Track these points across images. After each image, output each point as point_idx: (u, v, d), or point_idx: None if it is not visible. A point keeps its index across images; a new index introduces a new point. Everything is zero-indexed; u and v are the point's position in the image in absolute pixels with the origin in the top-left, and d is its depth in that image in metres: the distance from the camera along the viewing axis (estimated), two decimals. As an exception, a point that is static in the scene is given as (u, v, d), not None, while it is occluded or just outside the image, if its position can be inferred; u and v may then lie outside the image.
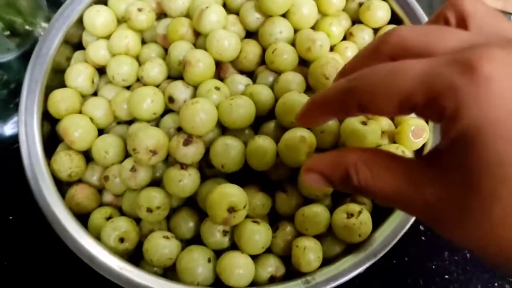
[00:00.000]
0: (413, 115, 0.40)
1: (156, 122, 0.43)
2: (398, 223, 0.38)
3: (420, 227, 0.47)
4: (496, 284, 0.45)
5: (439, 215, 0.19)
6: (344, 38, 0.47)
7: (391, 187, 0.20)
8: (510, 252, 0.17)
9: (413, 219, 0.38)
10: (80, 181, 0.42)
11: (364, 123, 0.38)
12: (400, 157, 0.21)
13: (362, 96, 0.21)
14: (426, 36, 0.21)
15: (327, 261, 0.37)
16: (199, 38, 0.44)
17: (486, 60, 0.17)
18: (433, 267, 0.46)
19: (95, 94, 0.46)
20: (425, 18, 0.44)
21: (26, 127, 0.41)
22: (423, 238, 0.47)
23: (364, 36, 0.46)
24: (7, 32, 0.52)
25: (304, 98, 0.38)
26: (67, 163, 0.40)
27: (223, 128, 0.41)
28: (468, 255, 0.46)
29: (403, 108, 0.19)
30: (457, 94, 0.17)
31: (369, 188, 0.21)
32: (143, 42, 0.47)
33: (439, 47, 0.20)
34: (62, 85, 0.45)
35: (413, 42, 0.21)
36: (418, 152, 0.41)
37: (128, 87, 0.45)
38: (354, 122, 0.38)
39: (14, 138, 0.51)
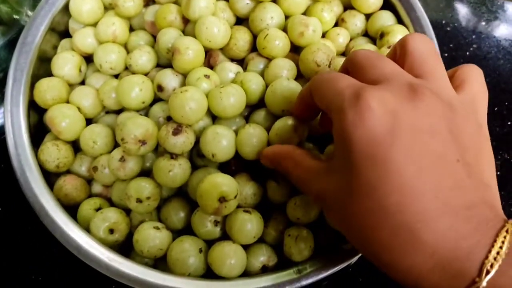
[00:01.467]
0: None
1: (145, 111, 0.42)
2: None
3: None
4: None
5: (324, 201, 0.27)
6: (336, 24, 0.46)
7: (301, 176, 0.30)
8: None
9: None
10: (68, 172, 0.42)
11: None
12: (314, 158, 0.30)
13: (311, 86, 0.31)
14: (366, 62, 0.29)
15: (319, 250, 0.37)
16: (188, 25, 0.43)
17: (367, 99, 0.25)
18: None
19: (82, 83, 0.45)
20: (417, 2, 0.44)
21: (12, 117, 0.40)
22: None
23: (356, 22, 0.45)
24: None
25: (293, 85, 0.38)
26: (55, 153, 0.40)
27: (213, 117, 0.40)
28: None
29: (322, 102, 0.29)
30: (343, 115, 0.25)
31: (289, 174, 0.32)
32: (131, 29, 0.46)
33: (368, 75, 0.28)
34: (49, 74, 0.44)
35: (359, 62, 0.29)
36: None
37: (116, 76, 0.44)
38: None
39: (1, 129, 0.50)
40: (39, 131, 0.43)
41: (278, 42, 0.40)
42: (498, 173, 0.48)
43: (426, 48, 0.29)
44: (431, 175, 0.23)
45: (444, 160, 0.24)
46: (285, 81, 0.38)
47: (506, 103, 0.51)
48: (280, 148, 0.34)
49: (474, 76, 0.30)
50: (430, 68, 0.28)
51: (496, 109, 0.50)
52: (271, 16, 0.42)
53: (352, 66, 0.30)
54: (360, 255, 0.36)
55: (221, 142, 0.37)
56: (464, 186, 0.24)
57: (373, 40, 0.45)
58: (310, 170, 0.29)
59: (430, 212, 0.23)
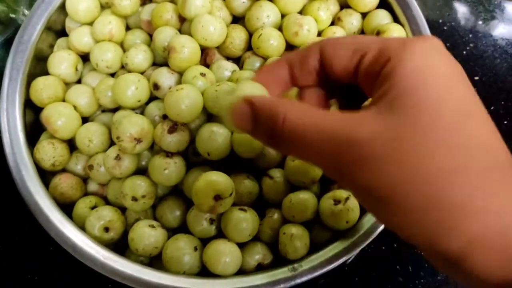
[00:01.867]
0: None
1: (141, 109, 0.42)
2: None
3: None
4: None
5: (372, 151, 0.20)
6: (332, 23, 0.46)
7: (325, 123, 0.21)
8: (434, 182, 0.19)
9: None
10: (64, 170, 0.42)
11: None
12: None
13: (326, 46, 0.25)
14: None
15: (315, 248, 0.37)
16: (184, 24, 0.43)
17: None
18: (422, 253, 0.46)
19: (79, 81, 0.45)
20: (413, 1, 0.43)
21: (8, 116, 0.40)
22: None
23: (353, 21, 0.45)
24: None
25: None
26: (50, 152, 0.40)
27: (208, 115, 0.40)
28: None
29: (355, 55, 0.23)
30: (408, 46, 0.21)
31: (292, 127, 0.22)
32: (127, 28, 0.46)
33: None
34: (45, 72, 0.44)
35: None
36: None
37: (112, 75, 0.44)
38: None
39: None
40: (35, 130, 0.43)
41: (272, 42, 0.41)
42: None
43: None
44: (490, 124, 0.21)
45: (485, 112, 0.21)
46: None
47: (503, 102, 0.51)
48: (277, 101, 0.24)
49: None
50: None
51: (492, 108, 0.50)
52: (267, 14, 0.42)
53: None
54: (356, 252, 0.36)
55: (217, 141, 0.37)
56: (500, 140, 0.21)
57: (369, 39, 0.45)
58: (347, 117, 0.21)
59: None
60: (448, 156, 0.19)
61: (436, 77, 0.20)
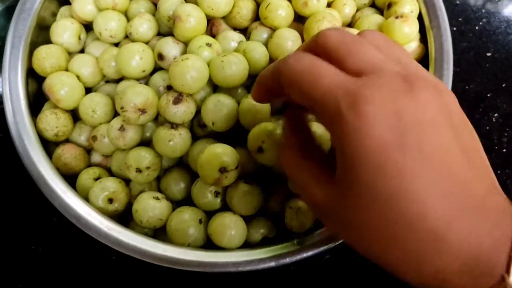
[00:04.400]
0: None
1: (145, 80, 0.41)
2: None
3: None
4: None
5: (324, 211, 0.25)
6: (342, -6, 0.45)
7: (302, 180, 0.26)
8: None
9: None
10: (67, 141, 0.41)
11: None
12: (319, 159, 0.27)
13: (281, 78, 0.25)
14: (341, 48, 0.25)
15: (320, 224, 0.37)
16: (190, -8, 0.42)
17: (367, 101, 0.22)
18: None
19: (82, 51, 0.44)
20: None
21: (10, 84, 0.39)
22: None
23: (363, -8, 0.44)
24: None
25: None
26: (53, 122, 0.39)
27: (214, 87, 0.40)
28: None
29: (304, 100, 0.25)
30: (341, 121, 0.22)
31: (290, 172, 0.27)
32: (132, -3, 0.45)
33: (348, 63, 0.24)
34: (48, 41, 0.43)
35: (333, 48, 0.25)
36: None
37: (116, 44, 0.43)
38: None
39: (1, 98, 0.50)
40: (38, 100, 0.42)
41: (280, 12, 0.39)
42: (504, 150, 0.48)
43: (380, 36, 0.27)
44: (445, 175, 0.22)
45: (451, 154, 0.22)
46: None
47: (515, 80, 0.50)
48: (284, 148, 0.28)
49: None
50: (399, 53, 0.26)
51: (504, 85, 0.49)
52: (275, -17, 0.40)
53: (324, 52, 0.25)
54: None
55: (222, 111, 0.36)
56: (475, 178, 0.22)
57: (380, 11, 0.44)
58: (312, 175, 0.26)
59: (451, 213, 0.21)
60: (384, 230, 0.22)
61: (372, 156, 0.22)
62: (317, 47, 0.26)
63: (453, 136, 0.23)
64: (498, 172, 0.47)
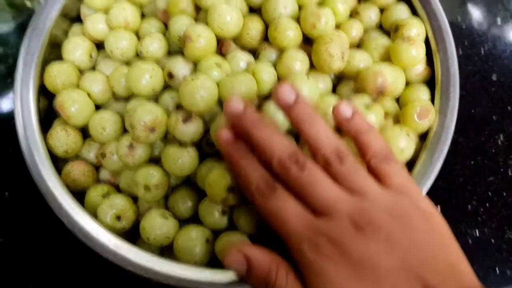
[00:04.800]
0: (420, 95, 0.39)
1: (155, 98, 0.42)
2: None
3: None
4: (497, 270, 0.45)
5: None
6: (350, 17, 0.46)
7: None
8: None
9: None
10: (76, 157, 0.42)
11: (367, 106, 0.37)
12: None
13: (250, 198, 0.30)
14: (306, 185, 0.28)
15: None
16: (200, 13, 0.43)
17: (326, 247, 0.26)
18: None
19: (93, 69, 0.45)
20: (434, -3, 0.43)
21: (21, 101, 0.40)
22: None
23: (371, 15, 0.45)
24: (5, 5, 0.51)
25: (311, 82, 0.37)
26: (63, 138, 0.39)
27: (223, 106, 0.40)
28: (470, 241, 0.46)
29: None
30: (303, 257, 0.26)
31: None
32: (143, 16, 0.46)
33: (309, 202, 0.28)
34: (59, 59, 0.43)
35: (298, 186, 0.28)
36: (423, 136, 0.40)
37: (127, 63, 0.44)
38: (356, 104, 0.37)
39: (11, 115, 0.50)
40: (48, 116, 0.43)
41: (289, 33, 0.40)
42: (510, 173, 0.48)
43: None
44: None
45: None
46: (305, 78, 0.37)
47: (521, 103, 0.50)
48: (268, 256, 0.29)
49: (393, 169, 0.29)
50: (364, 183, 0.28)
51: (509, 108, 0.50)
52: (284, 5, 0.41)
53: (292, 185, 0.28)
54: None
55: (232, 130, 0.36)
56: None
57: (388, 34, 0.44)
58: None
59: None
60: None
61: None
62: (288, 174, 0.28)
63: (409, 271, 0.25)
64: (504, 194, 0.47)
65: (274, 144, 0.29)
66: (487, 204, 0.47)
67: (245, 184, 0.30)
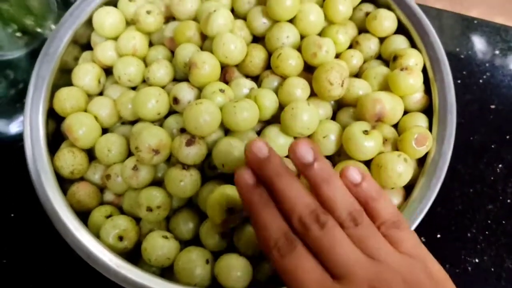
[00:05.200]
0: (418, 122, 0.40)
1: (160, 122, 0.43)
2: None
3: (422, 238, 0.47)
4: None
5: None
6: (350, 47, 0.47)
7: None
8: None
9: (415, 225, 0.38)
10: (82, 179, 0.43)
11: (365, 132, 0.38)
12: None
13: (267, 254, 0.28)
14: (325, 249, 0.27)
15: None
16: (205, 41, 0.45)
17: None
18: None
19: (101, 93, 0.46)
20: (430, 28, 0.44)
21: (31, 123, 0.41)
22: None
23: (370, 45, 0.46)
24: (18, 32, 0.53)
25: (312, 109, 0.38)
26: (70, 160, 0.41)
27: (226, 131, 0.41)
28: (469, 268, 0.46)
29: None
30: None
31: None
32: (151, 44, 0.48)
33: (327, 264, 0.27)
34: (69, 84, 0.45)
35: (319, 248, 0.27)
36: (421, 160, 0.41)
37: (133, 88, 0.45)
38: (355, 130, 0.38)
39: (20, 137, 0.52)
40: (56, 139, 0.44)
41: (291, 62, 0.41)
42: (509, 200, 0.48)
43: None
44: None
45: None
46: (305, 105, 0.39)
47: (519, 131, 0.51)
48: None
49: (404, 235, 0.30)
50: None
51: (508, 137, 0.50)
52: (287, 35, 0.43)
53: (311, 243, 0.28)
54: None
55: (233, 153, 0.37)
56: None
57: (386, 63, 0.46)
58: None
59: None
60: None
61: None
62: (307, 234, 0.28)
63: None
64: (503, 222, 0.47)
65: (296, 199, 0.28)
66: (487, 232, 0.47)
67: (263, 235, 0.28)
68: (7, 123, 0.53)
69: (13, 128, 0.53)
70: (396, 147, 0.41)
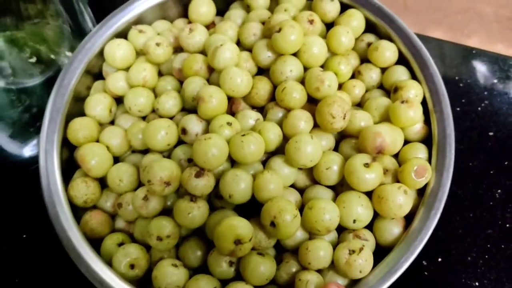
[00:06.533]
0: (418, 153, 0.41)
1: (168, 153, 0.45)
2: (400, 258, 0.39)
3: (423, 262, 0.48)
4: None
5: None
6: (353, 76, 0.49)
7: None
8: None
9: (415, 254, 0.39)
10: (94, 207, 0.44)
11: (366, 165, 0.39)
12: None
13: None
14: None
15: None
16: (213, 73, 0.46)
17: None
18: None
19: (111, 122, 0.48)
20: (430, 59, 0.46)
21: (46, 155, 0.43)
22: (425, 273, 0.48)
23: (372, 75, 0.48)
24: (33, 59, 0.55)
25: (315, 142, 0.40)
26: (83, 189, 0.42)
27: (232, 161, 0.43)
28: (470, 291, 0.47)
29: None
30: None
31: None
32: (160, 74, 0.50)
33: None
34: (81, 111, 0.47)
35: None
36: (421, 190, 0.42)
37: (144, 118, 0.47)
38: (356, 163, 0.40)
39: (33, 160, 0.54)
40: (69, 164, 0.46)
41: (295, 95, 0.43)
42: (508, 225, 0.49)
43: None
44: None
45: None
46: (309, 138, 0.40)
47: (517, 157, 0.52)
48: None
49: None
50: None
51: (506, 163, 0.52)
52: (290, 69, 0.44)
53: None
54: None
55: (239, 184, 0.39)
56: None
57: (388, 93, 0.47)
58: None
59: None
60: None
61: None
62: None
63: None
64: (503, 246, 0.49)
65: None
66: (486, 256, 0.48)
67: None
68: (20, 146, 0.55)
69: (27, 151, 0.55)
70: (396, 178, 0.42)
